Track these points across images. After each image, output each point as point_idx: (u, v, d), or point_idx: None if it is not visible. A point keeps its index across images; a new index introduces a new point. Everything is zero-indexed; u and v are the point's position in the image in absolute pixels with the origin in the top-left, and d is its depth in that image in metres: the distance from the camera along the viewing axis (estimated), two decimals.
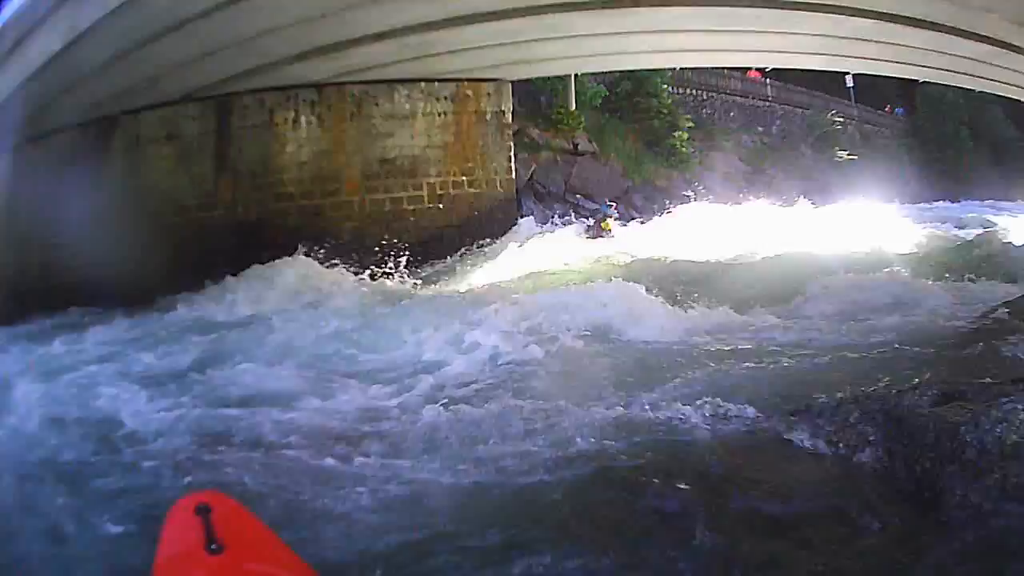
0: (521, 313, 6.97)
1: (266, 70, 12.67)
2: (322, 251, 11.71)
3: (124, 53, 10.93)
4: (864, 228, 13.43)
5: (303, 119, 13.23)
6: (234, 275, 11.29)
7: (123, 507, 3.52)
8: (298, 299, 10.28)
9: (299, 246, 11.76)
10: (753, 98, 18.49)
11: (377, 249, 12.34)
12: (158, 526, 1.48)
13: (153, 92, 12.77)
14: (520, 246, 12.64)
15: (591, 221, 13.55)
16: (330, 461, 3.90)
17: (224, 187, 13.04)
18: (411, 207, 13.07)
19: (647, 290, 7.28)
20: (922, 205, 18.02)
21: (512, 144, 13.66)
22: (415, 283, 11.09)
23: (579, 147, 14.65)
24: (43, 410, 5.33)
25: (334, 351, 6.94)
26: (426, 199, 13.14)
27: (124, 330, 9.42)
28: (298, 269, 11.57)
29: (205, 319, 9.69)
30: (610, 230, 13.12)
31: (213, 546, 1.33)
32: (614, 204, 13.90)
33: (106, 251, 13.74)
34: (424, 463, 3.81)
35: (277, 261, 11.71)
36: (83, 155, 13.57)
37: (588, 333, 6.45)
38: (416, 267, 11.97)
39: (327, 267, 11.64)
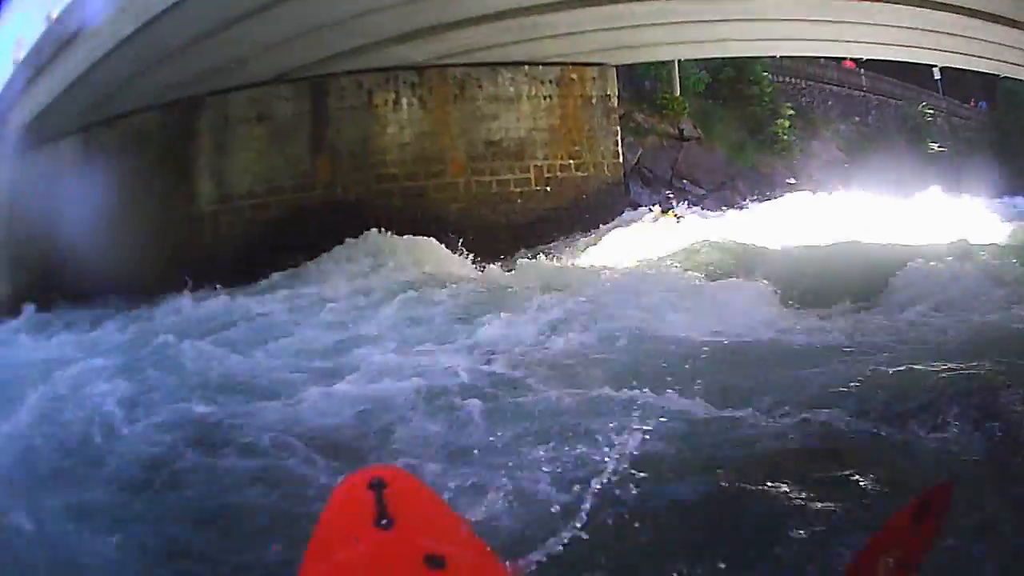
0: (609, 297, 6.62)
1: (364, 52, 12.34)
2: (427, 231, 11.41)
3: (203, 36, 10.68)
4: (955, 220, 13.00)
5: (404, 101, 12.85)
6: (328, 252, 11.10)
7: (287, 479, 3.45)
8: (401, 277, 9.93)
9: (403, 227, 11.47)
10: (848, 88, 18.21)
11: (484, 230, 12.00)
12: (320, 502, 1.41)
13: (242, 73, 12.45)
14: (627, 230, 12.20)
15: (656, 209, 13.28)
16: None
17: (322, 168, 12.64)
18: (518, 189, 12.63)
19: (750, 283, 6.94)
20: (1005, 199, 17.61)
21: (619, 128, 13.25)
22: (522, 264, 10.69)
23: (684, 132, 14.26)
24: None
25: (445, 330, 6.55)
26: (533, 182, 12.70)
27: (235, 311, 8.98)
28: (401, 248, 11.28)
29: (317, 295, 9.23)
30: (677, 217, 12.69)
31: (384, 521, 1.30)
32: (672, 196, 13.57)
33: (198, 230, 13.51)
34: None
35: (376, 238, 11.41)
36: (164, 136, 13.40)
37: (689, 325, 5.87)
38: (524, 249, 11.55)
39: (435, 247, 11.34)
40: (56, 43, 12.35)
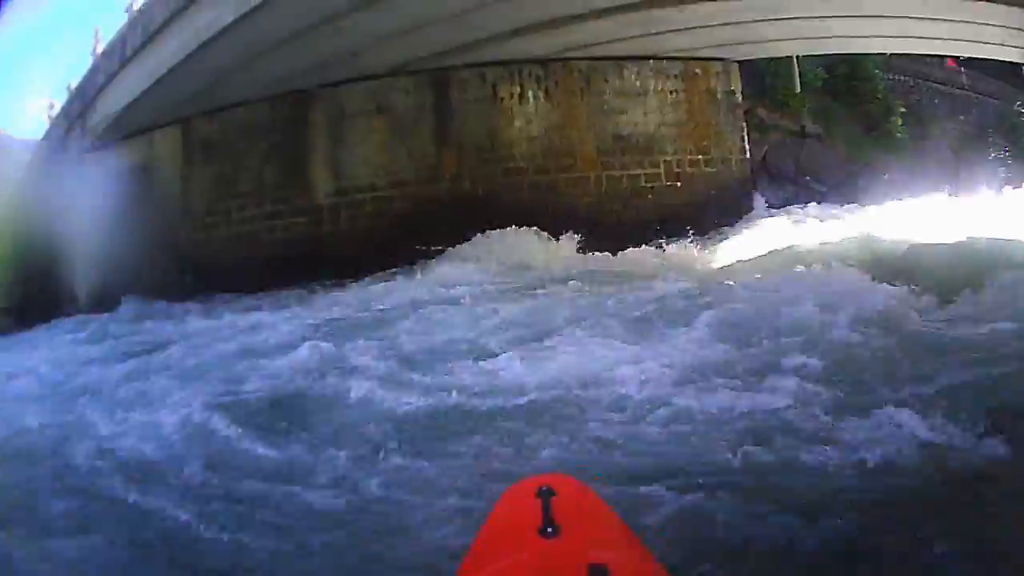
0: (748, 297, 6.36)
1: (485, 45, 12.17)
2: (557, 226, 11.27)
3: (309, 28, 10.44)
4: None
5: (530, 94, 12.67)
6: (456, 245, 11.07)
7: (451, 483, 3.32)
8: (534, 272, 9.79)
9: (532, 220, 11.33)
10: (951, 86, 18.19)
11: (615, 225, 11.86)
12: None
13: (355, 66, 12.26)
14: (757, 227, 12.08)
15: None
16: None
17: (448, 161, 12.44)
18: (649, 184, 12.46)
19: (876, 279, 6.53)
20: None
21: (744, 124, 13.13)
22: (664, 260, 10.55)
23: (806, 129, 14.18)
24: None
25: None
26: (663, 177, 12.54)
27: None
28: (533, 243, 11.18)
29: (454, 286, 9.01)
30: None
31: (548, 529, 1.28)
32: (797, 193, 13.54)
33: (316, 223, 13.29)
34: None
35: (509, 232, 11.27)
36: (275, 128, 13.12)
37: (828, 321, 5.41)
38: (659, 244, 11.39)
39: (565, 243, 11.21)
40: (143, 34, 12.21)
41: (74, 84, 15.26)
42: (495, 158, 12.44)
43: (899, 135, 15.53)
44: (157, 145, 13.65)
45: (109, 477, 3.77)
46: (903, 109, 15.99)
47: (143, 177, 13.74)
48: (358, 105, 12.78)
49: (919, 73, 17.19)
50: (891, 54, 15.72)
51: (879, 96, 15.66)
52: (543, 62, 12.76)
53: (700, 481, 3.03)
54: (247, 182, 12.95)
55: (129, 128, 13.59)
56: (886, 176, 13.96)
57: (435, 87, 12.77)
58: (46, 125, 17.17)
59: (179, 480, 3.64)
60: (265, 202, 12.78)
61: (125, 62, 12.50)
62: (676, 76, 13.02)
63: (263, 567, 2.87)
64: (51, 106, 16.09)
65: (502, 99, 12.65)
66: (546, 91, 12.71)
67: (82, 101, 14.41)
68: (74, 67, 16.25)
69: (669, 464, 3.27)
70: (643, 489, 2.95)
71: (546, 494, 1.35)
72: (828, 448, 3.23)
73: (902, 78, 16.79)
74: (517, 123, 12.59)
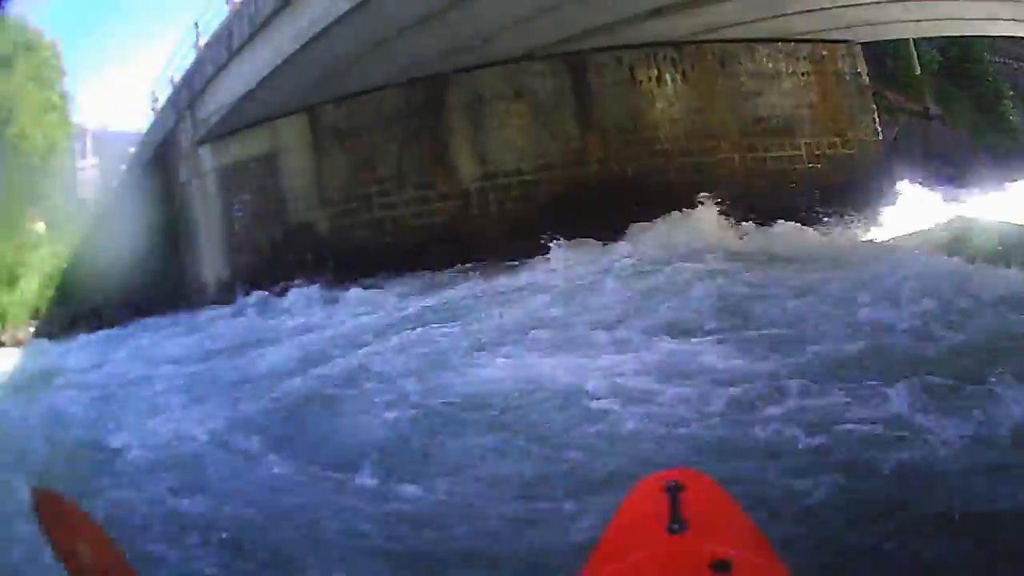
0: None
1: (619, 27, 12.21)
2: (708, 206, 11.31)
3: (433, 13, 10.40)
4: None
5: (667, 76, 12.72)
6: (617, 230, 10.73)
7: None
8: (699, 250, 9.82)
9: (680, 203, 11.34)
10: None
11: (761, 207, 11.93)
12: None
13: (487, 51, 12.25)
14: (895, 208, 12.28)
15: None
16: None
17: (593, 144, 12.46)
18: (792, 167, 12.59)
19: None
20: None
21: (874, 106, 13.32)
22: (830, 239, 10.65)
23: (930, 111, 14.42)
24: None
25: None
26: (805, 159, 12.68)
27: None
28: (692, 223, 11.10)
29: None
30: None
31: (675, 526, 1.26)
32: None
33: (463, 207, 13.20)
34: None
35: (674, 215, 11.25)
36: (411, 114, 13.04)
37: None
38: (806, 224, 11.50)
39: (719, 222, 11.23)
40: (250, 25, 12.09)
41: (178, 76, 15.10)
42: (639, 140, 12.48)
43: (1012, 118, 15.91)
44: (282, 134, 13.45)
45: None
46: (1011, 92, 16.37)
47: (267, 166, 13.59)
48: (495, 89, 12.74)
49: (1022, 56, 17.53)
50: (996, 37, 16.01)
51: (989, 79, 16.01)
52: (677, 44, 12.82)
53: None
54: (387, 168, 12.84)
55: (247, 118, 13.35)
56: (1005, 159, 14.24)
57: (571, 71, 12.76)
58: (148, 117, 16.93)
59: None
60: (407, 187, 12.69)
61: (234, 53, 12.37)
62: (804, 58, 13.16)
63: None
64: (154, 99, 15.86)
65: (640, 82, 12.68)
66: (683, 73, 12.77)
67: (190, 92, 14.20)
68: (168, 60, 16.06)
69: None
70: None
71: (674, 490, 1.34)
72: None
73: (1007, 60, 17.13)
74: (659, 105, 12.65)
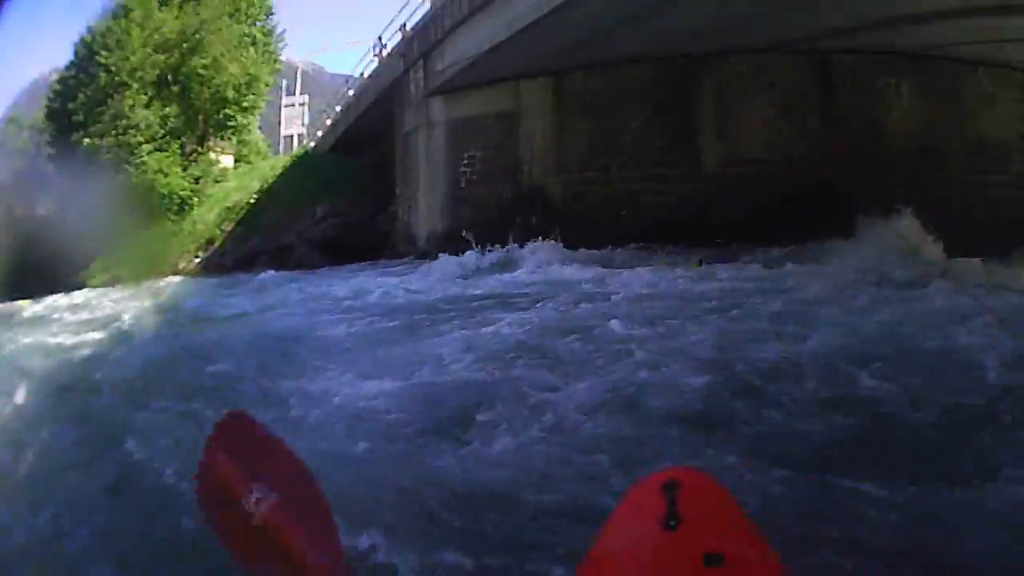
0: None
1: (862, 32, 12.53)
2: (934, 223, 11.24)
3: None
4: None
5: (904, 87, 13.30)
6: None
7: None
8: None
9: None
10: None
11: (986, 230, 12.13)
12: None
13: (737, 38, 12.59)
14: None
15: None
16: None
17: (835, 145, 12.96)
18: (1008, 194, 13.18)
19: None
20: None
21: None
22: None
23: None
24: None
25: None
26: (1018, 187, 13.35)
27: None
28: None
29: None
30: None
31: (671, 522, 1.30)
32: None
33: (701, 189, 13.56)
34: None
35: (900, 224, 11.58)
36: (661, 91, 13.40)
37: None
38: None
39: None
40: None
41: (409, 25, 15.44)
42: (875, 146, 12.99)
43: None
44: (524, 95, 13.84)
45: None
46: None
47: (505, 125, 13.98)
48: (745, 77, 13.26)
49: None
50: None
51: None
52: (915, 56, 13.30)
53: None
54: (628, 142, 13.30)
55: (486, 74, 13.69)
56: None
57: (817, 68, 13.27)
58: (369, 62, 17.07)
59: None
60: (648, 164, 13.14)
61: (476, 9, 12.66)
62: (1020, 86, 13.85)
63: None
64: (380, 45, 16.15)
65: (881, 89, 13.23)
66: (919, 86, 13.35)
67: (424, 42, 14.53)
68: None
69: None
70: None
71: (671, 487, 1.36)
72: None
73: None
74: (894, 114, 13.20)
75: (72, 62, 26.08)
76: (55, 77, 29.54)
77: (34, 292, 15.70)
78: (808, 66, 13.32)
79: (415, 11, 15.45)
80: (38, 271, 19.38)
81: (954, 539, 2.76)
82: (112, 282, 18.05)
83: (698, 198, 12.94)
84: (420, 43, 14.62)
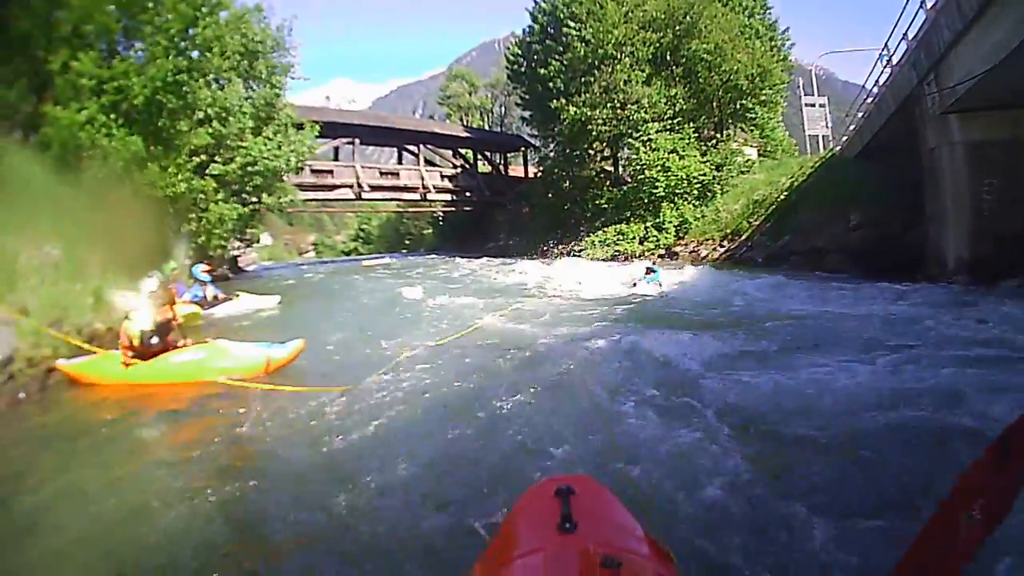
0: None
1: None
2: None
3: None
4: None
5: None
6: None
7: None
8: None
9: None
10: None
11: None
12: None
13: None
14: None
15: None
16: None
17: None
18: None
19: None
20: None
21: None
22: None
23: None
24: None
25: None
26: None
27: None
28: None
29: None
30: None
31: (567, 525, 1.39)
32: None
33: None
34: None
35: None
36: None
37: None
38: None
39: None
40: None
41: (911, 33, 14.37)
42: None
43: None
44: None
45: None
46: None
47: (1008, 152, 12.80)
48: None
49: None
50: None
51: None
52: None
53: None
54: None
55: (986, 98, 12.33)
56: None
57: None
58: (879, 70, 16.60)
59: None
60: None
61: (969, 24, 11.20)
62: None
63: None
64: (887, 53, 15.45)
65: None
66: None
67: (928, 55, 13.47)
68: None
69: None
70: None
71: (565, 493, 1.44)
72: None
73: None
74: None
75: (531, 27, 28.18)
76: (511, 40, 31.77)
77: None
78: None
79: (914, 15, 14.19)
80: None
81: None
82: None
83: None
84: (926, 55, 13.73)
